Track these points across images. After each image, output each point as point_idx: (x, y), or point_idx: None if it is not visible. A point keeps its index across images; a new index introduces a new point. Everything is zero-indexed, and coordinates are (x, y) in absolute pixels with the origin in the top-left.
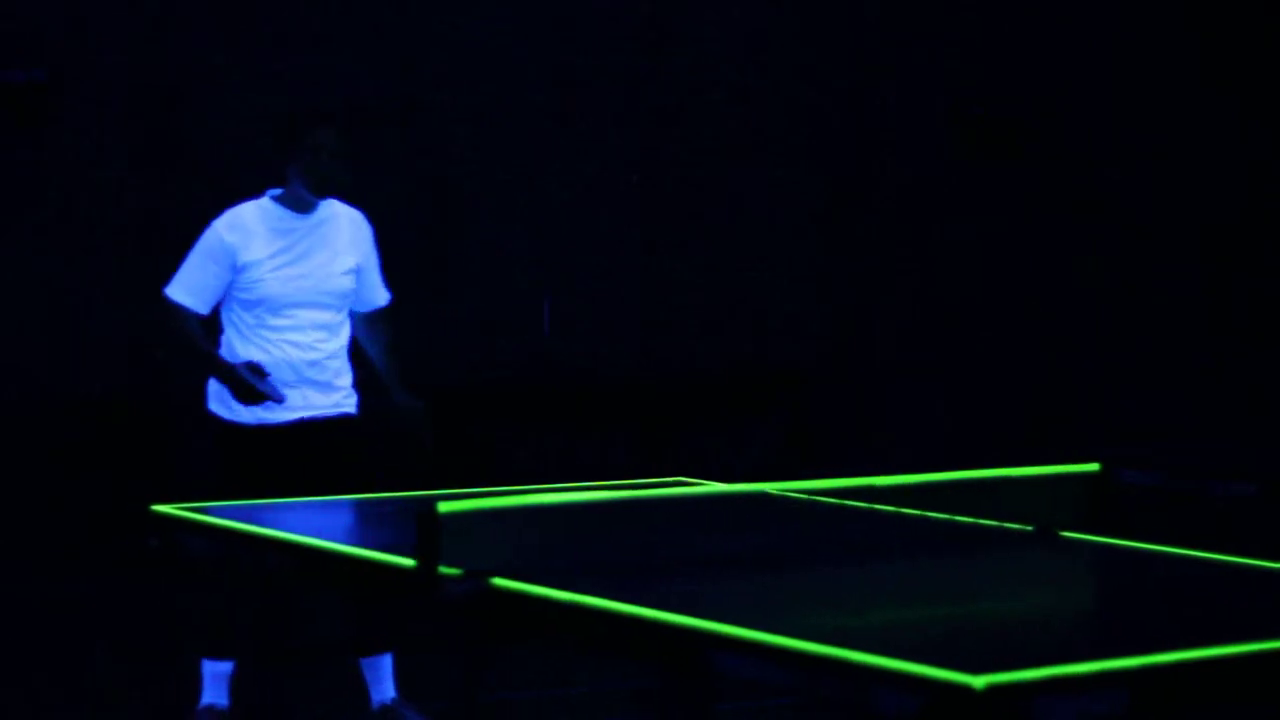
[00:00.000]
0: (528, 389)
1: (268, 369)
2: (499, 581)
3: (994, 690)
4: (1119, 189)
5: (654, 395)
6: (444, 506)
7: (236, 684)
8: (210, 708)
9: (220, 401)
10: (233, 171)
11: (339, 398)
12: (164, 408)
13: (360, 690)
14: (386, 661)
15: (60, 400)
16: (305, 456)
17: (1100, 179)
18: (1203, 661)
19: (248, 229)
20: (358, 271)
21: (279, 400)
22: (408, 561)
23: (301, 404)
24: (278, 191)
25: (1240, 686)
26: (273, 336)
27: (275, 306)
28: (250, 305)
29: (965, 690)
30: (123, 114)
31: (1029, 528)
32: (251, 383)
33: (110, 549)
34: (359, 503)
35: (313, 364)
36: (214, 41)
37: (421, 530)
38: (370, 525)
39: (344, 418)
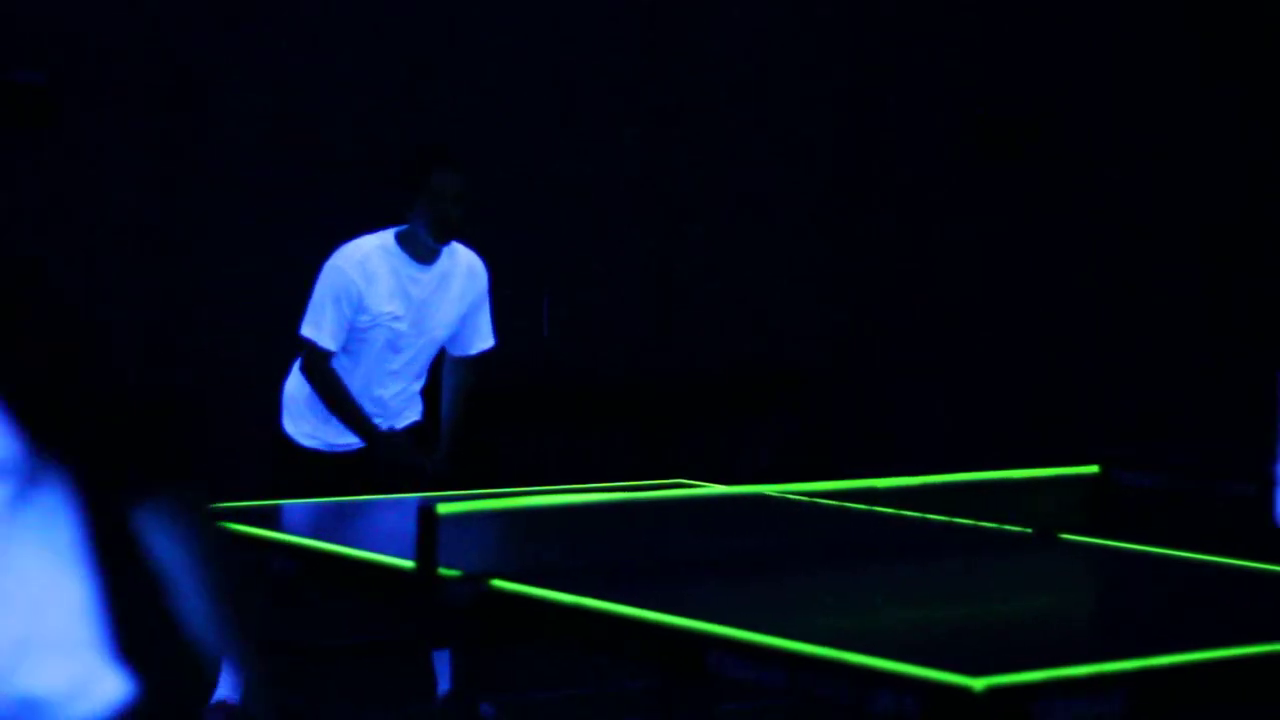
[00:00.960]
0: (528, 389)
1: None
2: (498, 583)
3: (993, 692)
4: (1119, 189)
5: (654, 396)
6: (444, 508)
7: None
8: (223, 703)
9: (294, 424)
10: (235, 172)
11: (411, 413)
12: (167, 410)
13: (374, 691)
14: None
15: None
16: (380, 473)
17: (1100, 179)
18: (1201, 664)
19: (373, 273)
20: (460, 320)
21: (422, 470)
22: (407, 563)
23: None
24: (400, 229)
25: (1238, 689)
26: (372, 373)
27: (379, 350)
28: (356, 340)
29: (965, 692)
30: (125, 115)
31: (1028, 530)
32: (397, 456)
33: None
34: (360, 505)
35: (408, 400)
36: (216, 42)
37: (421, 532)
38: (372, 527)
39: (412, 426)
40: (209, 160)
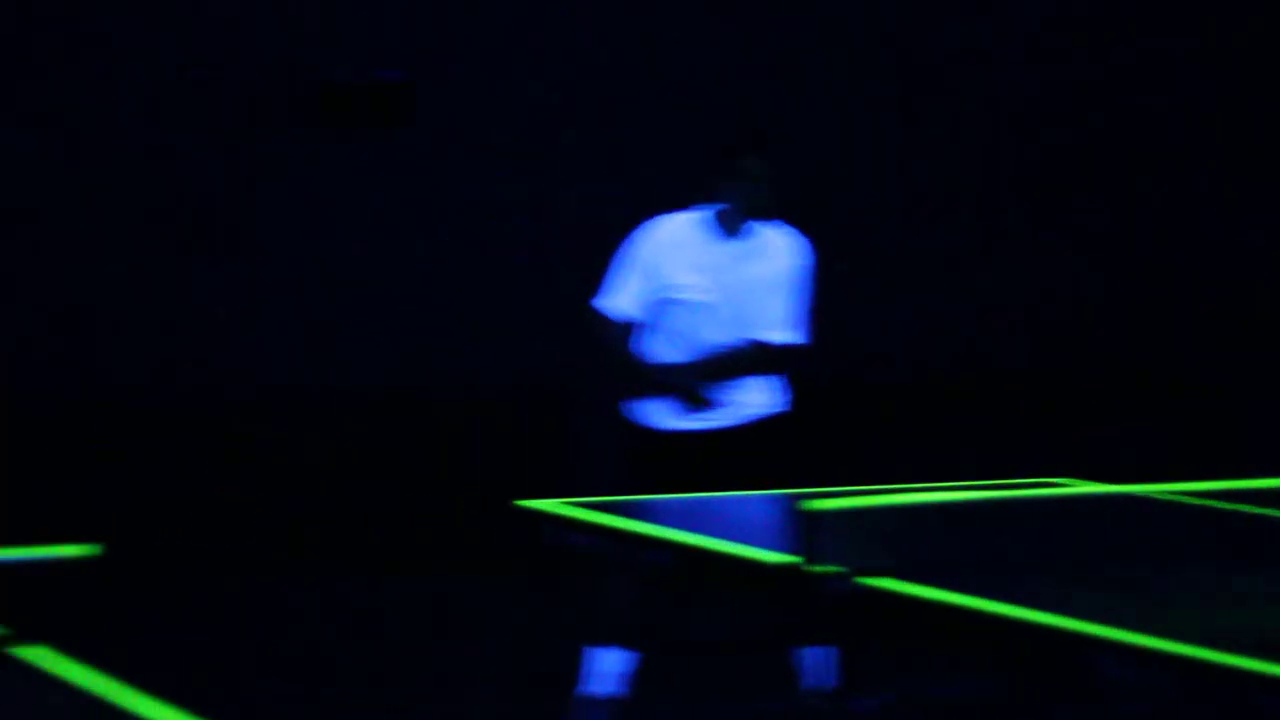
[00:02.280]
0: (890, 382)
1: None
2: (872, 580)
3: None
4: None
5: (1028, 392)
6: (820, 504)
7: (623, 676)
8: (590, 697)
9: (637, 406)
10: (549, 164)
11: (754, 400)
12: (546, 401)
13: (730, 685)
14: (825, 651)
15: (441, 394)
16: (715, 463)
17: None
18: None
19: (673, 243)
20: (767, 298)
21: (715, 405)
22: (784, 559)
23: (711, 416)
24: (714, 208)
25: None
26: (686, 349)
27: (688, 323)
28: (665, 318)
29: None
30: (483, 114)
31: None
32: (694, 389)
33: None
34: (731, 500)
35: (744, 383)
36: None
37: (798, 528)
38: (744, 522)
39: (761, 421)
40: (554, 157)
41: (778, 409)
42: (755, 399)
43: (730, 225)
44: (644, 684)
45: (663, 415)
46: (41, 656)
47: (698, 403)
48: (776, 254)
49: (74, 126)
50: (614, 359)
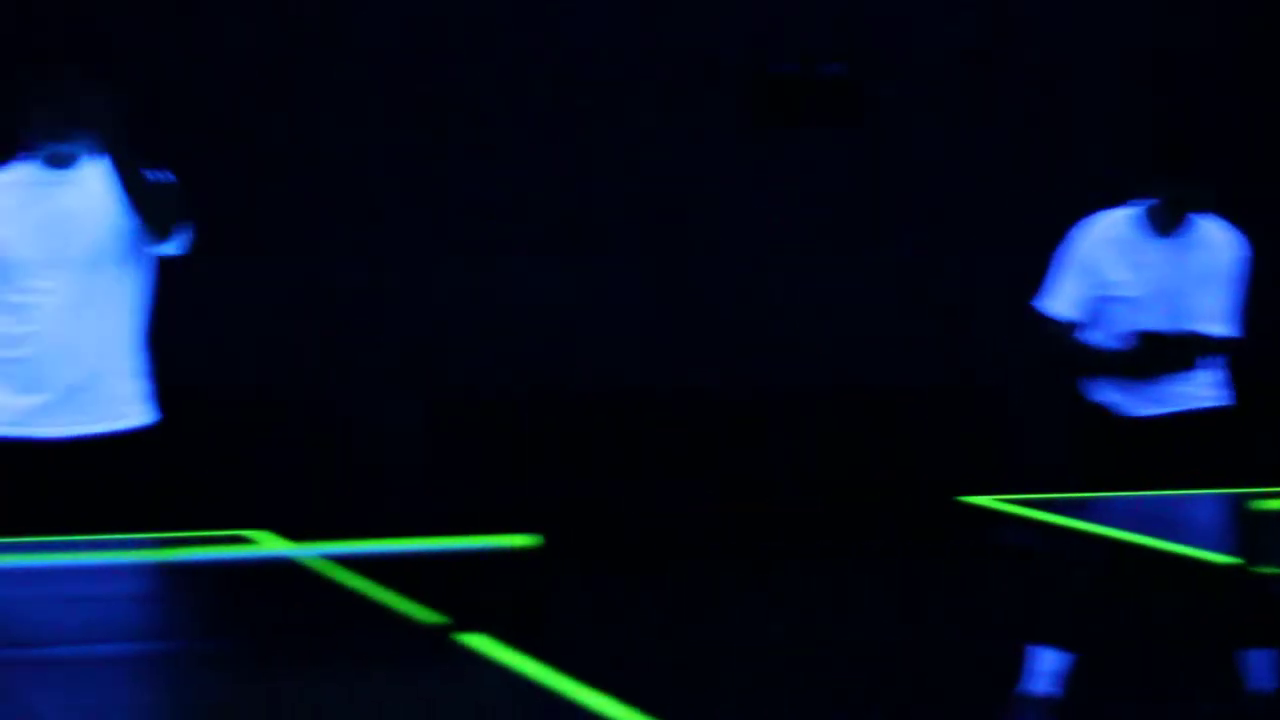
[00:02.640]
0: None
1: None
2: None
3: None
4: None
5: None
6: (1266, 504)
7: (1061, 675)
8: (1028, 695)
9: (1091, 390)
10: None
11: (1201, 392)
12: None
13: (1173, 686)
14: (1270, 653)
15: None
16: (1166, 448)
17: None
18: None
19: (1111, 241)
20: (1205, 291)
21: (1164, 390)
22: (1228, 559)
23: (1163, 401)
24: (1147, 203)
25: None
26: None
27: (1121, 324)
28: (1103, 316)
29: None
30: (932, 106)
31: None
32: (1155, 352)
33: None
34: (1174, 498)
35: (1180, 380)
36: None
37: (1243, 528)
38: (1187, 521)
39: (1208, 411)
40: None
41: (1223, 402)
42: (1202, 391)
43: (1166, 221)
44: (1082, 683)
45: (1116, 400)
46: (481, 644)
47: (1156, 374)
48: (1214, 247)
49: None
50: (1062, 354)
